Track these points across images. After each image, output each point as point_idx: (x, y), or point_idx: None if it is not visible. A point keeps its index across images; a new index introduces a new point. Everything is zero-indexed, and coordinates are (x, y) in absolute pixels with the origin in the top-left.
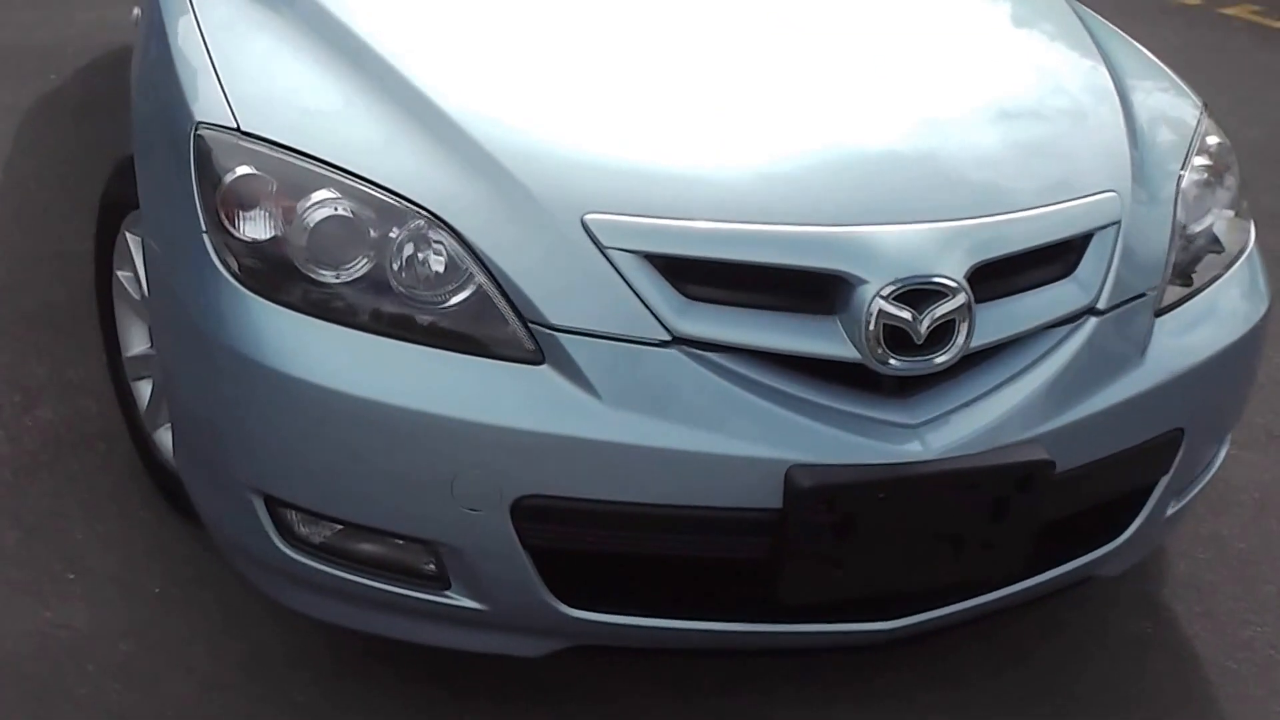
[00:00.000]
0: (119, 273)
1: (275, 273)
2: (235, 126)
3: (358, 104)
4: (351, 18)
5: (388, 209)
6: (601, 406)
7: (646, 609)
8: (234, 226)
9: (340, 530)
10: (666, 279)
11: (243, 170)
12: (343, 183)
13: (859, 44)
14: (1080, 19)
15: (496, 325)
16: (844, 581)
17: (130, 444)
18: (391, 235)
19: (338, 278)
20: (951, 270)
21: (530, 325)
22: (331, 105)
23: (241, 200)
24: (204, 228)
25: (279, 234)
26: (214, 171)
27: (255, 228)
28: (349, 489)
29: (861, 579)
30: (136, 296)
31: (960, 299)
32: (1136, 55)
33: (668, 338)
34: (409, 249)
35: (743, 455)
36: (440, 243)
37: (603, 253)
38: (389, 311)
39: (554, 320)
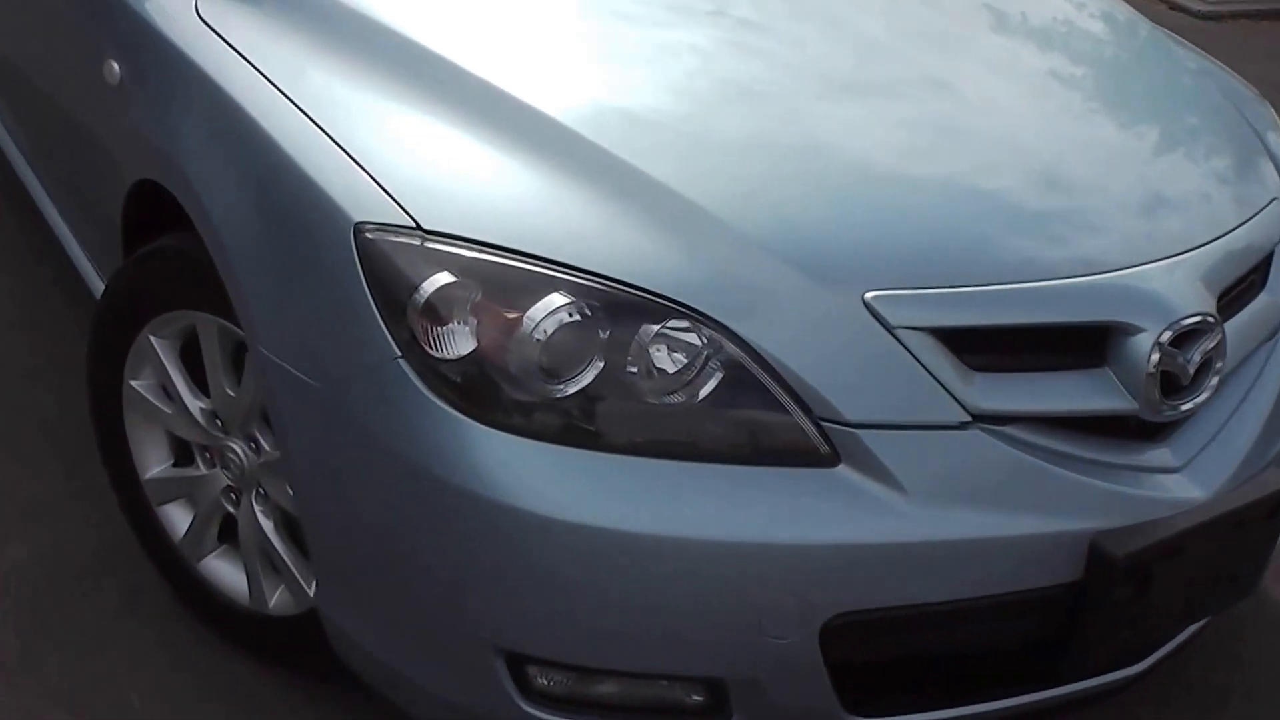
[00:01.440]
0: (132, 382)
1: (496, 392)
2: (414, 225)
3: (537, 177)
4: (465, 60)
5: (632, 307)
6: (908, 503)
7: (926, 705)
8: (436, 345)
9: (589, 676)
10: (952, 353)
11: (442, 279)
12: (572, 281)
13: (1030, 87)
14: (1166, 34)
15: (782, 428)
16: (1131, 641)
17: (157, 575)
18: (640, 337)
19: (570, 391)
20: (1208, 303)
21: (823, 424)
22: (505, 180)
23: (442, 314)
24: (398, 352)
25: (495, 346)
26: (401, 284)
27: (462, 342)
28: (615, 636)
29: (1146, 634)
30: (168, 408)
31: (1219, 332)
32: (1212, 65)
33: (967, 418)
34: (660, 352)
35: (1049, 531)
36: (703, 342)
37: (891, 333)
38: (644, 426)
39: (851, 416)
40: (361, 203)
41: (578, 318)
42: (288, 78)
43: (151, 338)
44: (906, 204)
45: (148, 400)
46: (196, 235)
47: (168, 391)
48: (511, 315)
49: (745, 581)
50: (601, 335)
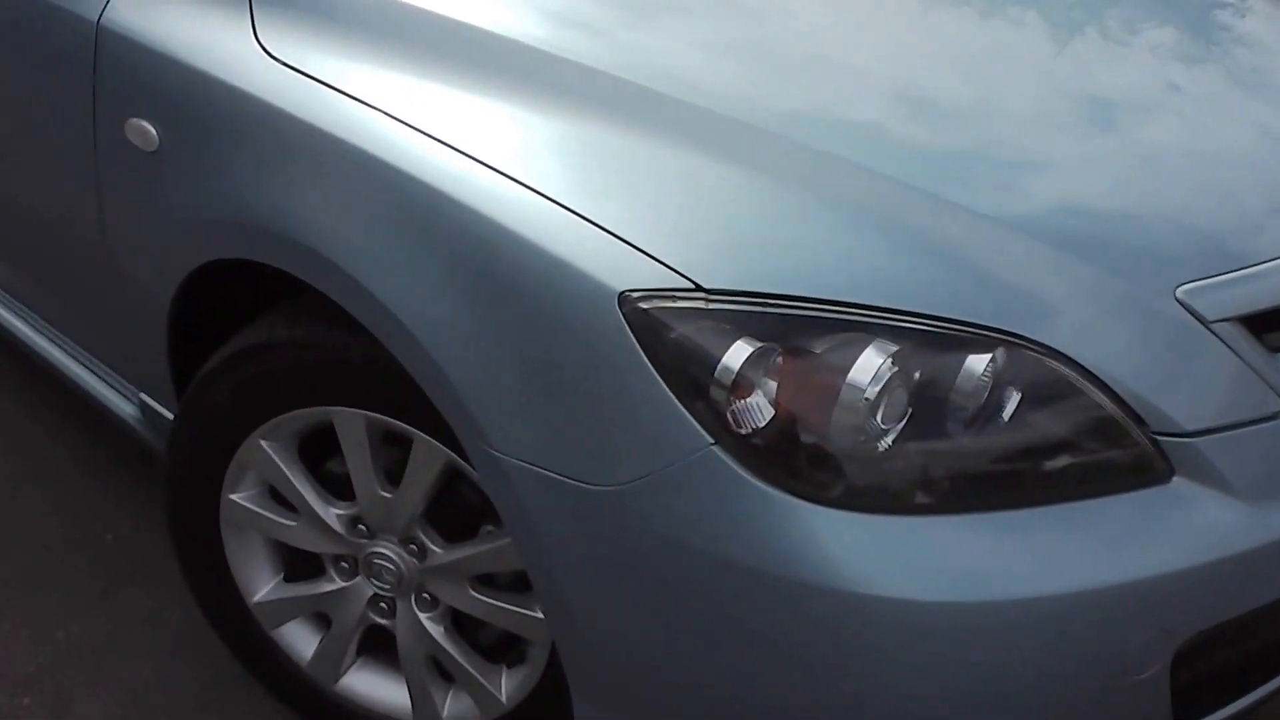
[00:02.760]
0: (233, 496)
1: (819, 464)
2: (694, 286)
3: (796, 209)
4: (659, 82)
5: (947, 341)
6: (1242, 507)
7: (1241, 690)
8: (739, 421)
9: None
10: (1255, 338)
11: (748, 347)
12: (884, 324)
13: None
14: None
15: (1115, 450)
16: None
17: (275, 702)
18: (959, 372)
19: (892, 446)
20: None
21: (1158, 438)
22: (765, 217)
23: (748, 386)
24: (709, 438)
25: (809, 411)
26: (698, 359)
27: (765, 413)
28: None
29: None
30: (289, 520)
31: None
32: None
33: None
34: (976, 385)
35: None
36: (1020, 368)
37: (1208, 327)
38: (969, 474)
39: (1188, 425)
40: (619, 268)
41: (896, 367)
42: (445, 127)
43: (263, 443)
44: (1185, 182)
45: (257, 514)
46: (325, 320)
47: (282, 501)
48: (826, 373)
49: (1113, 626)
50: (916, 378)
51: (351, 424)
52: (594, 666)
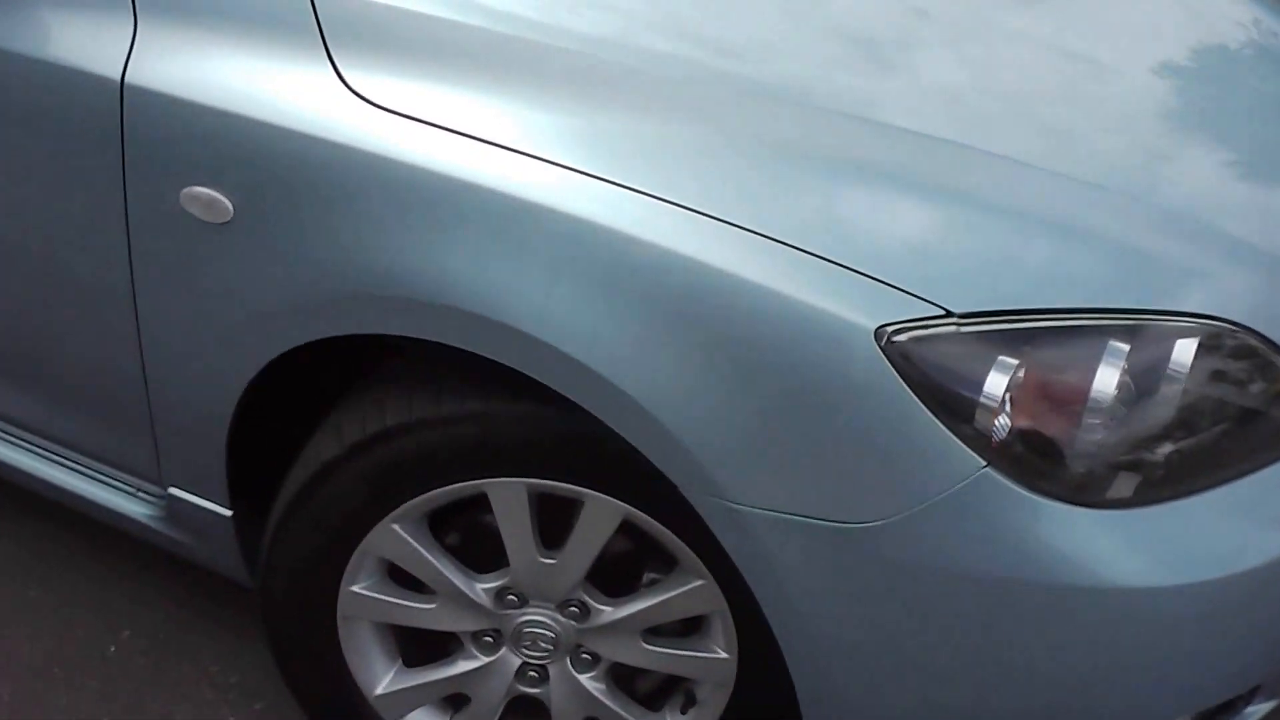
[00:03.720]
0: (354, 588)
1: (1080, 471)
2: (945, 312)
3: (1001, 219)
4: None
5: (1168, 332)
6: None
7: None
8: (1006, 438)
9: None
10: None
11: (1008, 366)
12: (1119, 326)
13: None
14: None
15: None
16: None
17: None
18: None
19: (1132, 442)
20: None
21: None
22: (983, 232)
23: (1009, 402)
24: (981, 461)
25: (1061, 420)
26: (961, 383)
27: (1023, 425)
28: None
29: None
30: (426, 603)
31: None
32: None
33: None
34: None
35: None
36: (1229, 349)
37: None
38: (1202, 452)
39: None
40: (869, 304)
41: (1127, 364)
42: (627, 171)
43: (395, 527)
44: None
45: (385, 603)
46: (478, 390)
47: (405, 583)
48: (1071, 380)
49: None
50: (1140, 372)
51: (510, 494)
52: (840, 701)
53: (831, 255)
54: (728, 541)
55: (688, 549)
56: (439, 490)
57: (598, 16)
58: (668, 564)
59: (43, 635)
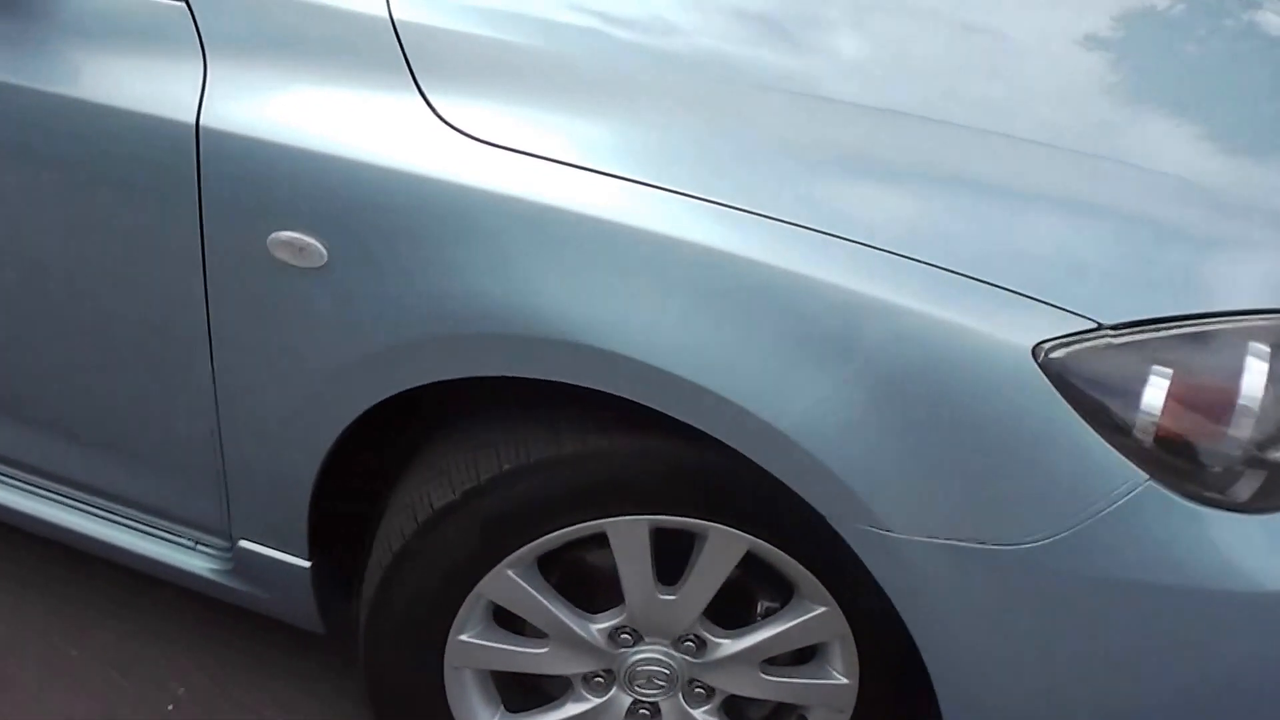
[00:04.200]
0: (463, 637)
1: (1233, 476)
2: (1097, 325)
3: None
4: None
5: None
6: None
7: None
8: (1165, 448)
9: None
10: None
11: (1164, 376)
12: (1260, 326)
13: None
14: None
15: None
16: None
17: None
18: None
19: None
20: None
21: None
22: (1097, 238)
23: (1165, 412)
24: (1143, 475)
25: (1208, 423)
26: (1119, 397)
27: (1199, 434)
28: None
29: None
30: (538, 648)
31: None
32: None
33: None
34: None
35: None
36: None
37: None
38: None
39: None
40: (1022, 321)
41: (1269, 364)
42: (755, 199)
43: (510, 572)
44: None
45: (496, 650)
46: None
47: (512, 628)
48: (1220, 384)
49: None
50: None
51: (631, 532)
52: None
53: (979, 274)
54: (878, 570)
55: (812, 577)
56: (557, 533)
57: (691, 33)
58: (781, 592)
59: (92, 698)
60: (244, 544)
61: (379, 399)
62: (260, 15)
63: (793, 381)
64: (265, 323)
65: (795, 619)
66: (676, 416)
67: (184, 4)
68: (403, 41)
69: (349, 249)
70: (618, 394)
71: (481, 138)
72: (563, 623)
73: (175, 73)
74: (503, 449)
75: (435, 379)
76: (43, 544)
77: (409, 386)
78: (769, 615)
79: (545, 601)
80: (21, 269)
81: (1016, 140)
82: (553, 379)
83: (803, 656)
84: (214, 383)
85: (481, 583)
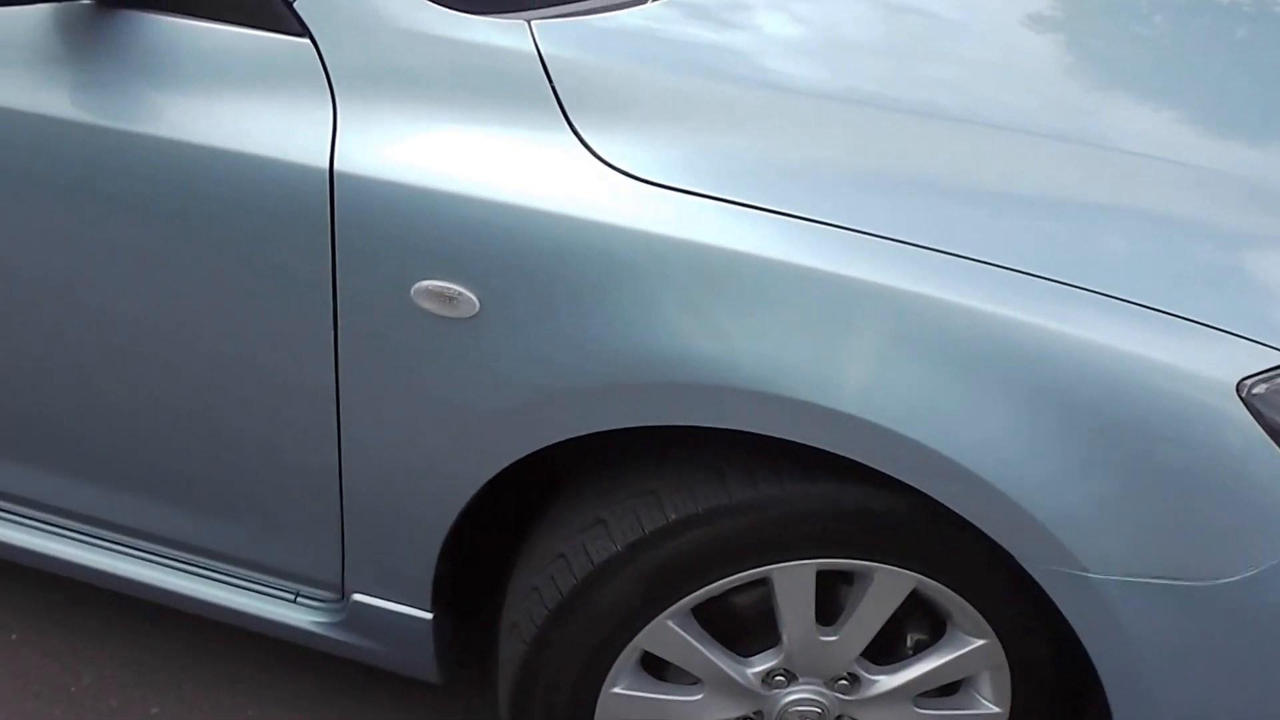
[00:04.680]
0: (616, 690)
1: None
2: None
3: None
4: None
5: None
6: None
7: None
8: None
9: None
10: None
11: None
12: None
13: None
14: None
15: None
16: None
17: None
18: None
19: None
20: None
21: None
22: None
23: None
24: None
25: None
26: None
27: None
28: None
29: None
30: (691, 695)
31: None
32: None
33: None
34: None
35: None
36: None
37: None
38: None
39: None
40: (1223, 358)
41: None
42: (916, 229)
43: (670, 622)
44: None
45: (652, 700)
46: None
47: (658, 675)
48: None
49: None
50: None
51: (797, 576)
52: None
53: (1174, 308)
54: (1069, 608)
55: (974, 610)
56: (721, 581)
57: (848, 67)
58: (927, 624)
59: None
60: (359, 597)
61: (527, 451)
62: (393, 50)
63: (993, 426)
64: (403, 374)
65: (954, 652)
66: (868, 464)
67: (308, 40)
68: (552, 76)
69: (503, 297)
70: (804, 442)
71: (645, 177)
72: (719, 668)
73: (302, 114)
74: (666, 498)
75: (595, 429)
76: (106, 597)
77: (565, 437)
78: (918, 648)
79: (703, 649)
80: (140, 320)
81: (1183, 165)
82: (731, 428)
83: (949, 686)
84: (339, 435)
85: (640, 634)
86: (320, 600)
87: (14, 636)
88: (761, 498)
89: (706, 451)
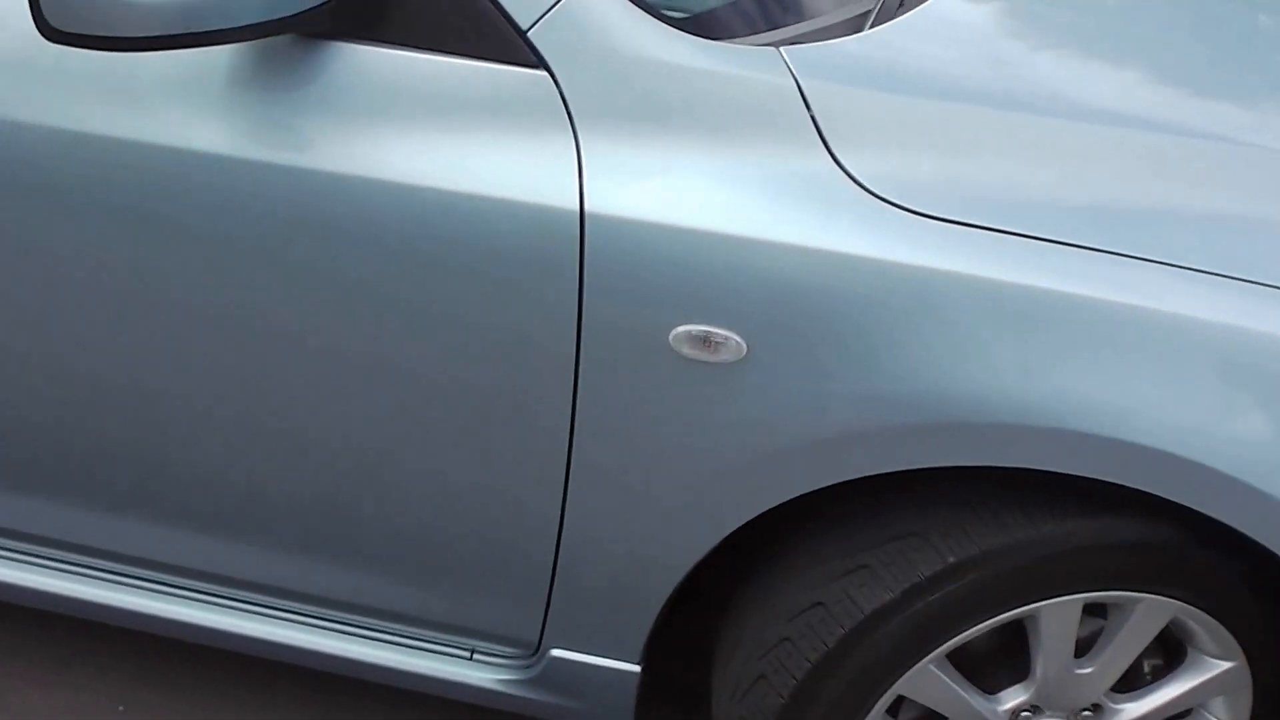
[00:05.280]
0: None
1: None
2: None
3: None
4: None
5: None
6: None
7: None
8: None
9: None
10: None
11: None
12: None
13: None
14: None
15: None
16: None
17: None
18: None
19: None
20: None
21: None
22: None
23: None
24: None
25: None
26: None
27: None
28: None
29: None
30: None
31: None
32: None
33: None
34: None
35: None
36: None
37: None
38: None
39: None
40: None
41: None
42: (1228, 261)
43: (932, 666)
44: None
45: None
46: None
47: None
48: None
49: None
50: None
51: (1064, 612)
52: None
53: None
54: None
55: (1228, 634)
56: (991, 620)
57: (1125, 92)
58: (1164, 651)
59: None
60: (558, 653)
61: (782, 499)
62: (639, 81)
63: None
64: (649, 422)
65: (1201, 676)
66: (1181, 501)
67: (545, 72)
68: (812, 108)
69: (773, 340)
70: (1113, 480)
71: (918, 209)
72: (971, 707)
73: (543, 151)
74: (937, 540)
75: (868, 472)
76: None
77: (829, 482)
78: (1155, 673)
79: (959, 690)
80: (356, 365)
81: None
82: (1030, 468)
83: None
84: (566, 487)
85: (901, 680)
86: (505, 657)
87: (121, 709)
88: (1042, 535)
89: (963, 490)
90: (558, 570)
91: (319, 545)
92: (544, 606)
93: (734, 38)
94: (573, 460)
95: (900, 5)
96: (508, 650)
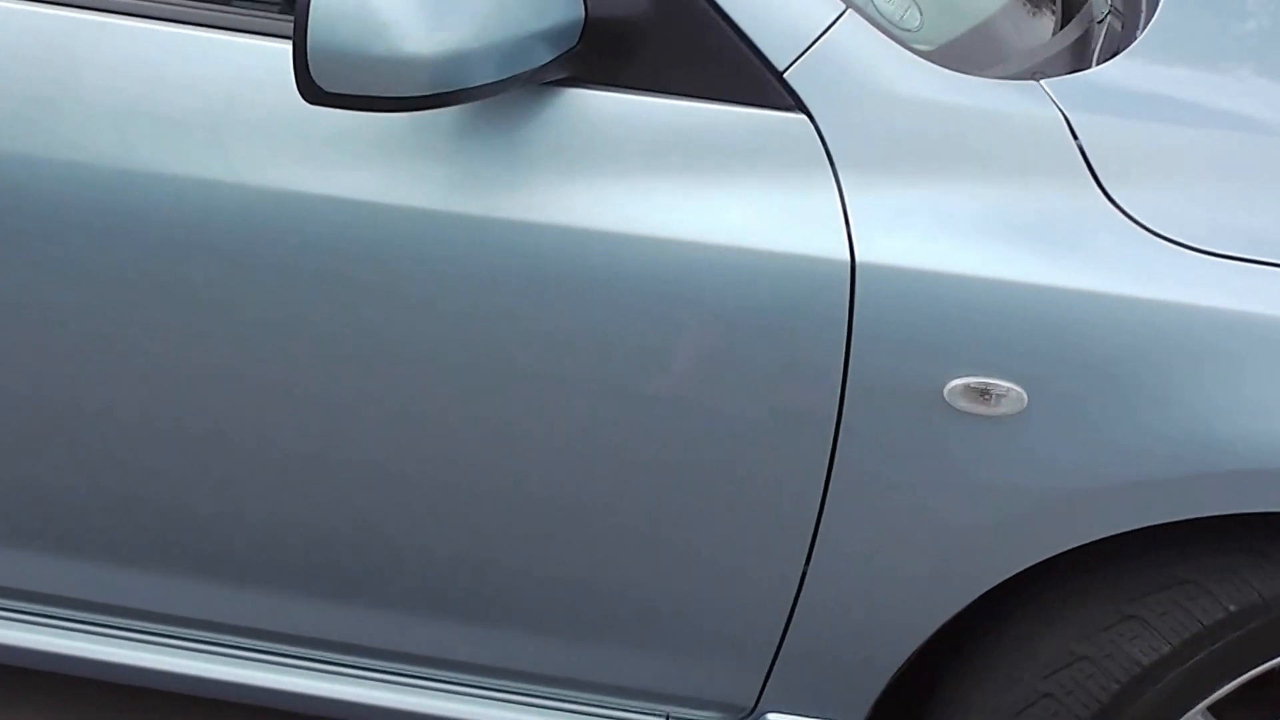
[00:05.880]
0: None
1: None
2: None
3: None
4: None
5: None
6: None
7: None
8: None
9: None
10: None
11: None
12: None
13: None
14: None
15: None
16: None
17: None
18: None
19: None
20: None
21: None
22: None
23: None
24: None
25: None
26: None
27: None
28: None
29: None
30: None
31: None
32: None
33: None
34: None
35: None
36: None
37: None
38: None
39: None
40: None
41: None
42: None
43: (1200, 716)
44: None
45: None
46: None
47: None
48: None
49: None
50: None
51: None
52: None
53: None
54: None
55: None
56: (1263, 665)
57: None
58: None
59: None
60: (775, 717)
61: (1052, 553)
62: (900, 123)
63: None
64: (913, 480)
65: None
66: None
67: (803, 115)
68: (1081, 142)
69: (1054, 390)
70: None
71: (1201, 247)
72: None
73: (804, 198)
74: (1212, 588)
75: (1144, 524)
76: None
77: (1102, 535)
78: None
79: None
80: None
81: None
82: None
83: None
84: (812, 547)
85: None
86: None
87: None
88: None
89: (1225, 533)
90: (789, 632)
91: (511, 615)
92: (767, 669)
93: (982, 70)
94: (822, 524)
95: (1123, 27)
96: (713, 715)
